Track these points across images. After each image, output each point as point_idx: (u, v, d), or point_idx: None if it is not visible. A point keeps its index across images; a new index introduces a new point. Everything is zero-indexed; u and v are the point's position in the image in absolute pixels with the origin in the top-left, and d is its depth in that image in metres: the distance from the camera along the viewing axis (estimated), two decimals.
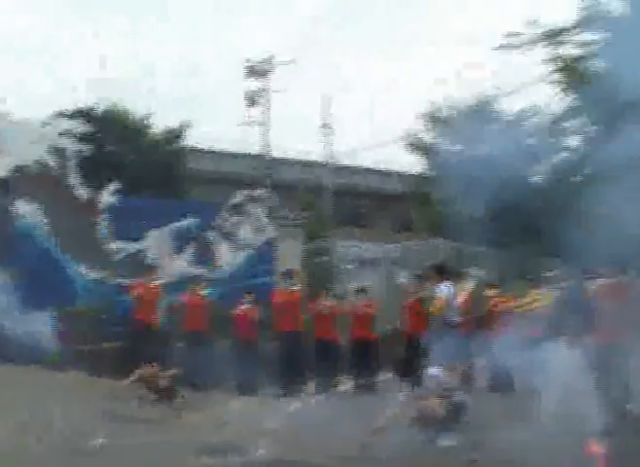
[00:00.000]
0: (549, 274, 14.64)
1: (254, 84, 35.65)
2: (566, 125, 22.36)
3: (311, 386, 15.94)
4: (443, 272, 14.50)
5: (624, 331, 11.51)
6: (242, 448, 9.91)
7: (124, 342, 16.00)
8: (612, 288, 12.18)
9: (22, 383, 13.20)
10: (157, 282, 16.42)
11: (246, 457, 9.48)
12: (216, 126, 54.99)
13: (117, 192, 18.51)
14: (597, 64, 17.49)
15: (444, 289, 13.62)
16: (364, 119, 57.82)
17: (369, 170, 40.79)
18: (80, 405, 12.11)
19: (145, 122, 26.88)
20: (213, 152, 36.32)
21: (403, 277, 21.79)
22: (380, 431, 10.15)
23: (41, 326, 15.66)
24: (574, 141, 21.68)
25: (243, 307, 16.30)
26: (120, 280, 17.58)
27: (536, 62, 19.84)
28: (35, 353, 14.70)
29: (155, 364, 13.72)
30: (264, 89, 35.65)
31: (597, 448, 7.89)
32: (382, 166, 39.89)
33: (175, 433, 10.92)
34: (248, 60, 35.29)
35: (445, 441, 9.80)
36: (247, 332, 16.18)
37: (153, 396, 13.47)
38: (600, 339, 11.30)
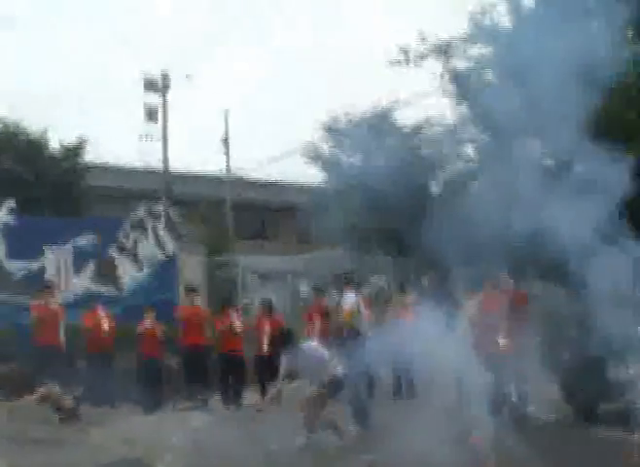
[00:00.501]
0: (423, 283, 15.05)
1: (152, 99, 35.41)
2: (461, 135, 22.87)
3: (217, 401, 15.98)
4: (348, 282, 14.79)
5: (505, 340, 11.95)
6: (147, 464, 9.94)
7: (25, 364, 15.76)
8: (487, 299, 12.58)
9: None
10: (57, 302, 16.21)
11: None
12: (114, 142, 54.41)
13: (13, 210, 18.25)
14: (486, 76, 18.01)
15: (349, 298, 13.86)
16: (264, 132, 57.94)
17: (270, 183, 40.93)
18: None
19: (41, 138, 26.49)
20: (112, 168, 35.97)
21: (306, 289, 22.01)
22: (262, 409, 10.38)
23: None
24: (469, 150, 22.21)
25: (146, 324, 16.19)
26: (18, 300, 17.34)
27: (429, 75, 20.30)
28: None
29: (57, 384, 13.57)
30: (162, 105, 35.45)
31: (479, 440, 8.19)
32: (284, 179, 40.07)
33: (80, 452, 10.86)
34: (144, 73, 35.02)
35: (327, 441, 10.36)
36: (151, 348, 16.09)
37: (58, 416, 13.34)
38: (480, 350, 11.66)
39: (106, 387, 14.94)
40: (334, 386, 10.43)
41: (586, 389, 11.97)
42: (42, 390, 13.47)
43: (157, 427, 12.96)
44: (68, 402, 13.44)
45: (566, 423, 12.37)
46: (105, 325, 15.93)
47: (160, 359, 16.23)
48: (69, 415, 13.32)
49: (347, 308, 13.58)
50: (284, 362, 10.75)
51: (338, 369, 10.52)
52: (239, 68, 69.82)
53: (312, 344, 11.01)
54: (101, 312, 16.21)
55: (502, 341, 12.01)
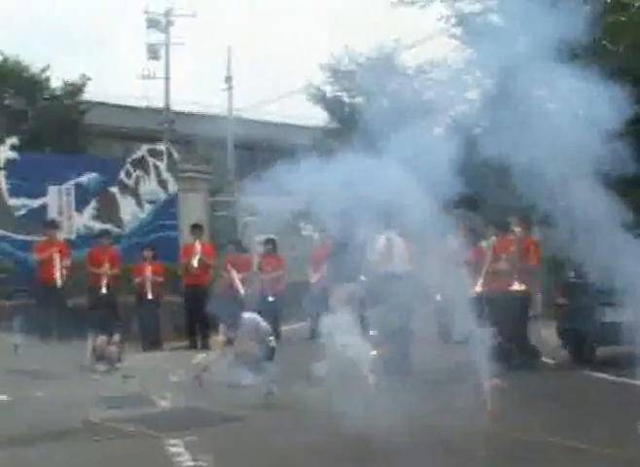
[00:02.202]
0: None
1: (155, 36, 35.08)
2: (465, 78, 22.69)
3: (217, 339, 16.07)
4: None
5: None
6: (147, 399, 10.08)
7: (27, 300, 15.86)
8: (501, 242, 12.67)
9: None
10: (59, 240, 16.26)
11: (150, 409, 9.64)
12: (116, 81, 54.00)
13: (15, 147, 18.21)
14: (493, 19, 17.83)
15: (380, 240, 13.56)
16: (267, 71, 57.46)
17: (272, 123, 40.75)
18: None
19: (43, 75, 26.28)
20: (114, 106, 35.76)
21: (308, 230, 21.98)
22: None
23: None
24: (473, 94, 22.03)
25: (148, 265, 16.06)
26: (21, 237, 17.39)
27: (434, 17, 20.04)
28: None
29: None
30: (165, 43, 35.13)
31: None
32: (286, 119, 39.90)
33: (81, 387, 10.99)
34: (147, 12, 34.66)
35: (248, 379, 10.55)
36: (151, 287, 16.11)
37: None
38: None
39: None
40: (266, 355, 10.98)
41: (583, 333, 12.06)
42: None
43: (157, 364, 13.10)
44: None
45: (563, 366, 12.49)
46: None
47: (160, 297, 16.26)
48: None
49: (380, 250, 12.95)
50: (223, 329, 11.42)
51: (272, 341, 11.21)
52: (243, 7, 69.09)
53: (255, 317, 11.41)
54: (105, 247, 16.17)
55: (516, 285, 12.12)
